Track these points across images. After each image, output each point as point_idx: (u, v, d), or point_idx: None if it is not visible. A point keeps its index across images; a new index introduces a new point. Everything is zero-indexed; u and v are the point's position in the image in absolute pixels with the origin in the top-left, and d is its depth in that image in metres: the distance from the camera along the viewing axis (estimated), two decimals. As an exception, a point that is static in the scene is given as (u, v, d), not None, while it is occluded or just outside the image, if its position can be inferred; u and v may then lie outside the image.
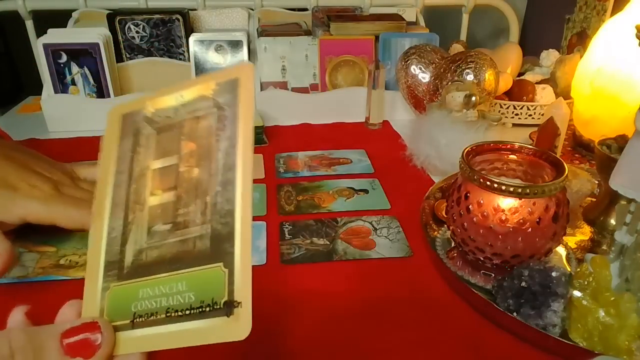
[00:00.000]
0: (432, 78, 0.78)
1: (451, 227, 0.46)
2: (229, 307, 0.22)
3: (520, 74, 0.90)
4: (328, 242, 0.52)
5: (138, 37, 0.87)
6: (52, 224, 0.42)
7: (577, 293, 0.38)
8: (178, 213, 0.24)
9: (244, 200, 0.23)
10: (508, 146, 0.47)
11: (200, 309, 0.22)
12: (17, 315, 0.23)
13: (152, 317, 0.23)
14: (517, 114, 0.83)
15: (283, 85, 0.89)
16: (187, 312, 0.23)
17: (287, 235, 0.53)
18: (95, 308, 0.24)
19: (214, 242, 0.23)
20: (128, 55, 0.88)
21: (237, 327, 0.22)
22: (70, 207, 0.42)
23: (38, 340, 0.20)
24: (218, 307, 0.22)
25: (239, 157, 0.24)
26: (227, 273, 0.22)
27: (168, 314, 0.23)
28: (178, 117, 0.26)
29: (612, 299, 0.37)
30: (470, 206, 0.43)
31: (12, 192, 0.42)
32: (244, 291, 0.22)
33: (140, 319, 0.23)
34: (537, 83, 0.84)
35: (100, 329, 0.22)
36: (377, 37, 0.90)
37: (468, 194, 0.43)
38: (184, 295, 0.23)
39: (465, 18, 1.17)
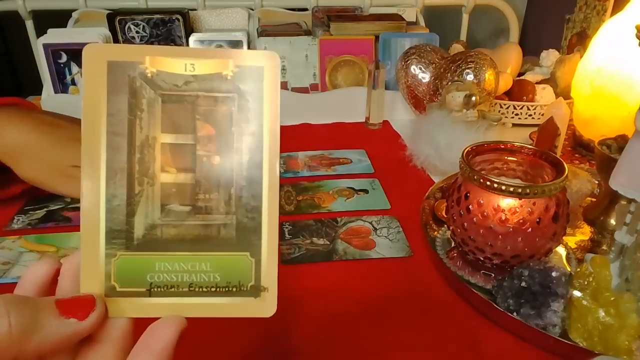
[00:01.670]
0: (432, 78, 0.78)
1: (451, 227, 0.46)
2: (256, 290, 0.24)
3: (520, 74, 0.90)
4: (328, 242, 0.52)
5: (138, 37, 0.87)
6: None
7: (577, 293, 0.38)
8: (198, 197, 0.24)
9: (270, 200, 0.24)
10: (508, 146, 0.47)
11: (227, 289, 0.24)
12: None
13: (172, 289, 0.24)
14: (517, 114, 0.83)
15: (283, 85, 0.89)
16: (213, 289, 0.24)
17: (287, 235, 0.53)
18: (97, 274, 0.24)
19: (240, 233, 0.24)
20: (128, 55, 0.88)
21: (264, 306, 0.24)
22: None
23: (33, 303, 0.21)
24: (245, 289, 0.24)
25: (266, 157, 0.24)
26: (254, 262, 0.24)
27: (192, 288, 0.24)
28: (189, 91, 0.25)
29: (612, 299, 0.37)
30: (470, 206, 0.43)
31: None
32: (270, 278, 0.24)
33: (159, 289, 0.24)
34: (537, 83, 0.84)
35: (95, 303, 0.22)
36: (377, 37, 0.90)
37: (468, 194, 0.43)
38: (208, 274, 0.24)
39: (465, 18, 1.17)
